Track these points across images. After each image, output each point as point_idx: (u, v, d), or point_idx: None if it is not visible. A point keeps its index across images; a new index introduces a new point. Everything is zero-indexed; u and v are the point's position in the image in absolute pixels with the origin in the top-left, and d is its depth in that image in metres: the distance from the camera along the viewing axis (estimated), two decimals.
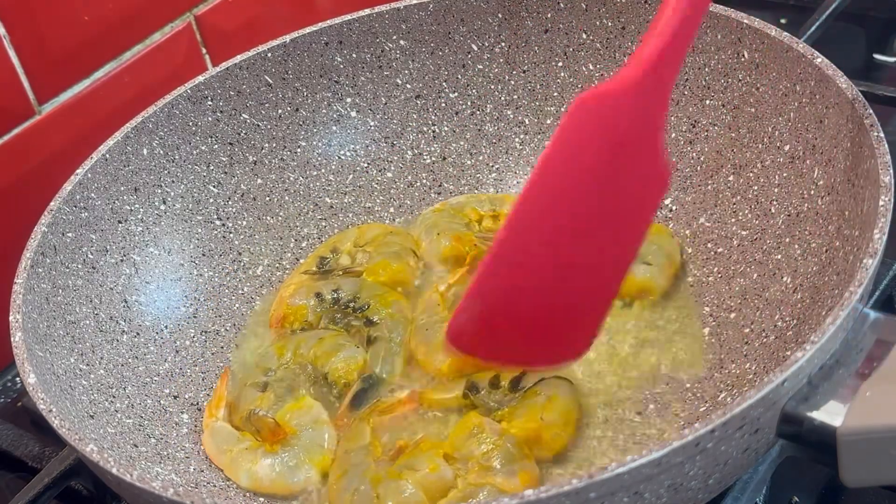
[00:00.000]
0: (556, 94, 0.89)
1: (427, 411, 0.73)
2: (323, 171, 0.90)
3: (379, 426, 0.72)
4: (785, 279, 0.72)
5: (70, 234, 0.76)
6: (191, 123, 0.84)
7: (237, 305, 0.84)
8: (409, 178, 0.91)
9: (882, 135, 0.65)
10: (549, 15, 0.87)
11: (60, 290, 0.73)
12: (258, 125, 0.88)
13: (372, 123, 0.91)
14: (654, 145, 0.59)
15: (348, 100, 0.90)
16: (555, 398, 0.70)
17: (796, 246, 0.73)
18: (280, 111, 0.88)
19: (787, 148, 0.76)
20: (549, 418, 0.68)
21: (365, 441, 0.71)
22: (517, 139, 0.90)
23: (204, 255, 0.84)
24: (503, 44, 0.89)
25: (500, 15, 0.88)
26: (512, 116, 0.90)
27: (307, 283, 0.83)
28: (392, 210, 0.90)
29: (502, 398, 0.71)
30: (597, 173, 0.58)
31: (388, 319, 0.78)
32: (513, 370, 0.71)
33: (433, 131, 0.91)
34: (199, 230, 0.85)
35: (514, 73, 0.89)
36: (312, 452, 0.71)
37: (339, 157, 0.90)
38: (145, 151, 0.82)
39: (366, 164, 0.91)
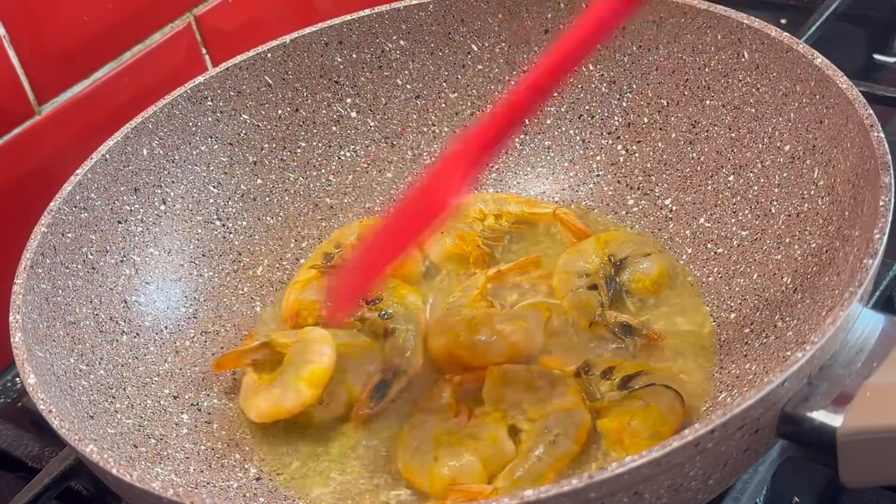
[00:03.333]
0: (555, 94, 0.89)
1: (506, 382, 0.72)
2: (323, 171, 0.90)
3: (459, 387, 0.73)
4: (785, 279, 0.72)
5: (70, 235, 0.76)
6: (191, 124, 0.84)
7: (237, 306, 0.84)
8: (410, 178, 0.91)
9: (882, 135, 0.65)
10: (549, 15, 0.87)
11: (60, 291, 0.73)
12: (258, 125, 0.88)
13: (372, 124, 0.91)
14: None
15: (348, 100, 0.90)
16: (652, 408, 0.68)
17: (796, 246, 0.73)
18: (280, 111, 0.88)
19: (787, 148, 0.76)
20: (636, 426, 0.67)
21: (442, 400, 0.72)
22: (517, 139, 0.90)
23: (204, 255, 0.84)
24: (503, 44, 0.89)
25: (500, 15, 0.88)
26: None
27: (316, 277, 0.83)
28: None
29: (606, 391, 0.70)
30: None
31: (403, 311, 0.79)
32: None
33: (433, 132, 0.91)
34: (199, 230, 0.85)
35: (514, 73, 0.89)
36: (300, 369, 0.72)
37: (339, 158, 0.90)
38: (145, 152, 0.82)
39: (366, 165, 0.91)
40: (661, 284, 0.79)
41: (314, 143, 0.90)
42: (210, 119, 0.85)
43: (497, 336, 0.75)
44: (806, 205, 0.73)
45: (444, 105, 0.91)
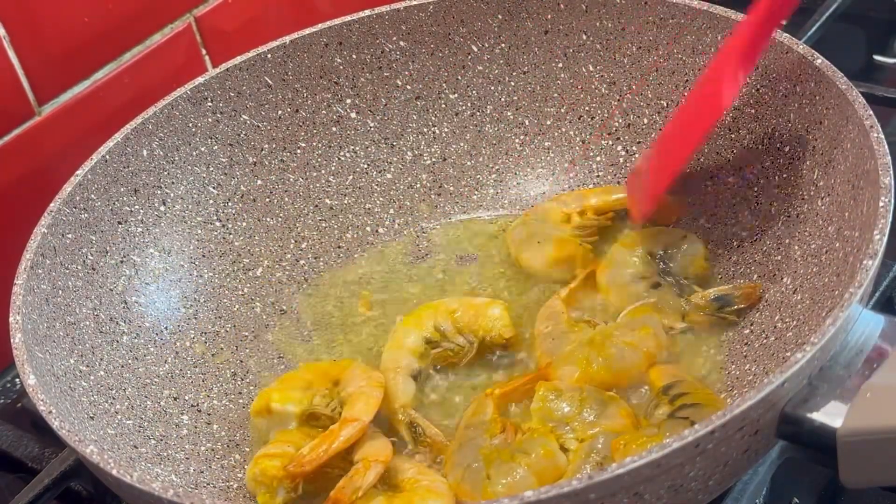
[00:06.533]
0: (556, 95, 0.89)
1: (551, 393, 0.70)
2: (323, 172, 0.90)
3: (503, 401, 0.72)
4: (785, 280, 0.72)
5: (70, 236, 0.76)
6: (191, 125, 0.84)
7: (237, 307, 0.84)
8: (409, 179, 0.91)
9: (882, 136, 0.65)
10: (549, 16, 0.87)
11: (60, 292, 0.73)
12: (258, 126, 0.88)
13: (372, 124, 0.91)
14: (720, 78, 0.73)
15: (348, 101, 0.90)
16: (657, 438, 0.64)
17: (796, 247, 0.73)
18: (280, 112, 0.88)
19: (787, 149, 0.76)
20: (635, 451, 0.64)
21: (486, 416, 0.70)
22: (517, 140, 0.90)
23: (204, 256, 0.84)
24: (503, 45, 0.89)
25: (500, 16, 0.88)
26: (512, 117, 0.90)
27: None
28: (392, 211, 0.90)
29: (660, 413, 0.68)
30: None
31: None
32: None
33: (433, 132, 0.91)
34: (199, 231, 0.85)
35: (514, 74, 0.89)
36: None
37: (339, 159, 0.90)
38: (145, 153, 0.82)
39: (366, 165, 0.91)
40: (711, 260, 0.78)
41: (314, 144, 0.90)
42: (210, 120, 0.85)
43: (629, 347, 0.72)
44: (806, 206, 0.73)
45: (444, 105, 0.91)
